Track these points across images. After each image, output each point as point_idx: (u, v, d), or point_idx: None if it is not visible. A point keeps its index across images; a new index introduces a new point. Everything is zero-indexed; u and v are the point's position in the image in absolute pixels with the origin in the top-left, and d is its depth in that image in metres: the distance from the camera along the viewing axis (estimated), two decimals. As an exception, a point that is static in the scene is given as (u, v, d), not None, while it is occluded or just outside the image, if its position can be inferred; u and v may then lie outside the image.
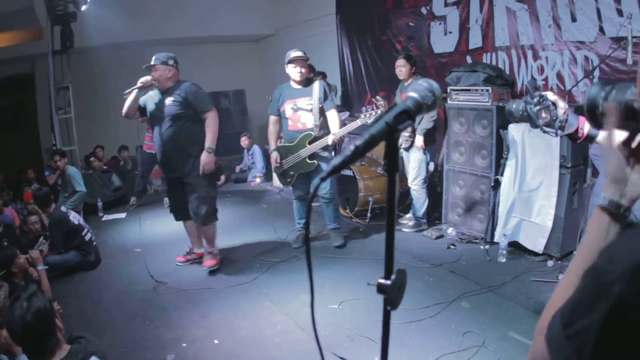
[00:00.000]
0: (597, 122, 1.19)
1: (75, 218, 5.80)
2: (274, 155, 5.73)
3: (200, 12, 10.94)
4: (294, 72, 5.54)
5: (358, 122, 5.37)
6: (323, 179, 1.12)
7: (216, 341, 3.92)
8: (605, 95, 1.17)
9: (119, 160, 10.74)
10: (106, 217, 7.97)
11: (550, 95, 2.69)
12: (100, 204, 8.14)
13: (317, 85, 5.57)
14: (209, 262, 5.37)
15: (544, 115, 2.66)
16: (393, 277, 1.17)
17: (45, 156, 11.21)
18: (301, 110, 5.58)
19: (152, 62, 5.05)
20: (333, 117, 5.52)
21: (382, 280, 1.17)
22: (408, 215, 6.43)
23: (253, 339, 3.93)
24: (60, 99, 10.05)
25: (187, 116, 5.06)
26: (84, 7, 9.20)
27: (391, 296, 1.18)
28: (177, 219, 5.59)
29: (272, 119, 5.82)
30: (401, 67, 5.99)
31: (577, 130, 2.56)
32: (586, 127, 2.54)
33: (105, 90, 10.73)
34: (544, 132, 3.18)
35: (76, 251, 5.61)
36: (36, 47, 10.05)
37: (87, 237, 5.75)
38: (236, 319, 4.26)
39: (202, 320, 4.28)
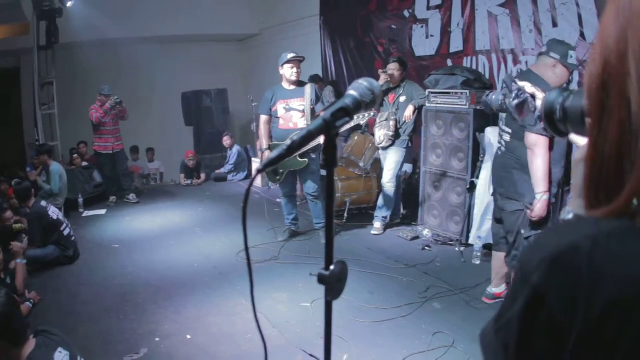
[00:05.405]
0: (555, 127, 1.19)
1: (54, 213, 5.78)
2: (266, 154, 5.70)
3: (186, 11, 10.99)
4: (290, 72, 5.65)
5: (351, 123, 5.37)
6: (259, 171, 1.17)
7: (189, 336, 3.94)
8: (563, 100, 1.18)
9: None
10: (86, 213, 7.93)
11: (528, 88, 2.69)
12: (81, 200, 8.09)
13: (309, 88, 5.71)
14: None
15: (523, 108, 2.67)
16: (332, 267, 1.21)
17: (29, 151, 11.16)
18: (293, 111, 5.71)
19: None
20: None
21: (322, 271, 1.21)
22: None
23: (226, 334, 3.96)
24: (45, 95, 10.02)
25: None
26: (69, 3, 9.25)
27: (330, 287, 1.21)
28: None
29: (264, 118, 5.86)
30: (394, 71, 5.98)
31: None
32: None
33: (90, 86, 10.67)
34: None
35: (55, 246, 5.60)
36: (22, 42, 10.01)
37: (66, 232, 5.74)
38: (210, 315, 4.29)
39: (176, 315, 4.29)
